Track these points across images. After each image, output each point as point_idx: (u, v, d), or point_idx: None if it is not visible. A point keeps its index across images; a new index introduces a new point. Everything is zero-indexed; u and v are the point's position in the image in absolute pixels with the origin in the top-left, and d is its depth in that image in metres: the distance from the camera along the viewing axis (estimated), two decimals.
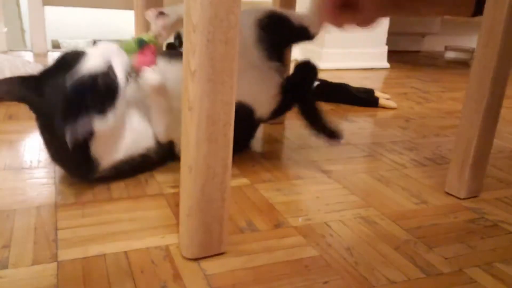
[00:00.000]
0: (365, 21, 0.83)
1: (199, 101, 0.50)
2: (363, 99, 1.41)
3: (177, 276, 0.53)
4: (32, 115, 1.08)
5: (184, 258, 0.57)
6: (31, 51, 1.92)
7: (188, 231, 0.56)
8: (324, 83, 1.47)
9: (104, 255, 0.56)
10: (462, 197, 0.78)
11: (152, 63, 0.73)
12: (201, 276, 0.54)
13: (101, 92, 0.67)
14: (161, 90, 0.74)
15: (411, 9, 0.92)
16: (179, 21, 0.75)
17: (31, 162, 0.82)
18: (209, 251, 0.57)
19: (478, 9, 0.86)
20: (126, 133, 0.74)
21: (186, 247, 0.57)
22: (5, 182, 0.74)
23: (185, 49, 0.50)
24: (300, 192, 0.78)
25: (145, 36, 0.74)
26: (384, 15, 0.87)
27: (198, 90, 0.50)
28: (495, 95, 0.73)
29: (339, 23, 0.83)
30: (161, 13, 0.75)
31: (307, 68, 0.93)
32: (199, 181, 0.53)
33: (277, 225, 0.66)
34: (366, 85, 1.53)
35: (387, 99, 1.43)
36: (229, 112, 0.52)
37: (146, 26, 0.98)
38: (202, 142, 0.52)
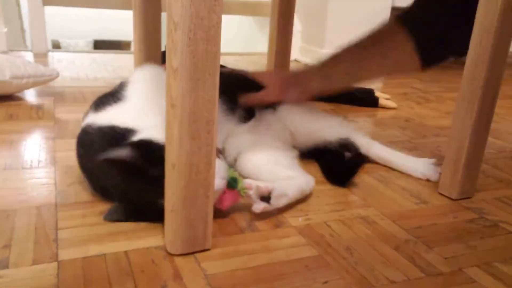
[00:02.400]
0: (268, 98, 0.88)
1: (182, 99, 0.50)
2: (363, 99, 1.41)
3: (177, 276, 0.53)
4: (32, 115, 1.08)
5: (184, 258, 0.57)
6: (31, 51, 1.92)
7: (172, 227, 0.56)
8: None
9: (105, 255, 0.56)
10: (454, 197, 0.78)
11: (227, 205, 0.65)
12: (201, 276, 0.54)
13: None
14: None
15: (347, 79, 0.93)
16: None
17: (31, 162, 0.82)
18: (193, 247, 0.58)
19: (428, 60, 0.84)
20: None
21: (171, 243, 0.57)
22: (5, 182, 0.74)
23: (167, 47, 0.51)
24: None
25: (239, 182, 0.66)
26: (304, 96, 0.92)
27: (180, 87, 0.50)
28: (488, 95, 0.73)
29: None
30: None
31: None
32: (183, 178, 0.53)
33: (277, 225, 0.66)
34: (366, 85, 1.54)
35: (387, 99, 1.43)
36: (211, 110, 0.52)
37: (145, 26, 0.98)
38: (185, 140, 0.52)
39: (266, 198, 0.67)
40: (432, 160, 0.82)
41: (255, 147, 0.81)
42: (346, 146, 0.89)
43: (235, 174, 0.66)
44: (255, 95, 0.87)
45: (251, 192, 0.65)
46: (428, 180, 0.85)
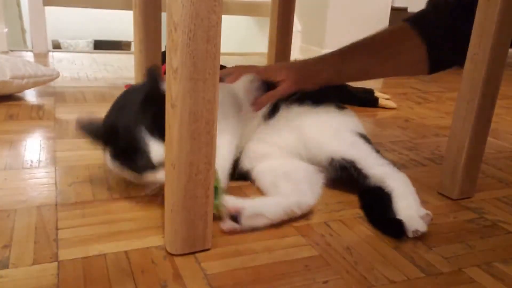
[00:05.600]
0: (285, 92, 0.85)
1: (182, 99, 0.51)
2: (363, 99, 1.41)
3: (177, 276, 0.53)
4: (33, 115, 1.08)
5: (184, 258, 0.57)
6: (31, 51, 1.92)
7: (172, 227, 0.56)
8: None
9: (105, 255, 0.57)
10: (454, 197, 0.78)
11: None
12: (201, 276, 0.54)
13: None
14: None
15: (357, 75, 0.95)
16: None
17: (31, 162, 0.82)
18: (193, 247, 0.58)
19: (435, 66, 0.88)
20: None
21: (171, 243, 0.57)
22: (6, 182, 0.74)
23: (167, 47, 0.51)
24: None
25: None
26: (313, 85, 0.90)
27: (180, 88, 0.50)
28: (487, 95, 0.73)
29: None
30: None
31: None
32: (182, 178, 0.53)
33: (277, 225, 0.66)
34: (366, 85, 1.54)
35: (387, 99, 1.43)
36: (211, 110, 0.52)
37: (145, 26, 0.98)
38: (185, 140, 0.52)
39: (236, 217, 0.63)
40: (425, 213, 0.66)
41: (270, 155, 0.80)
42: (347, 169, 0.75)
43: (219, 186, 0.62)
44: (272, 93, 0.84)
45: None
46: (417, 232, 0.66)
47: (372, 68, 0.91)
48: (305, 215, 0.70)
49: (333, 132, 0.79)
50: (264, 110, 0.84)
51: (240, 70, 0.89)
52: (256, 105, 0.82)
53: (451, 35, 0.85)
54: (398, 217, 0.67)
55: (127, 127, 0.65)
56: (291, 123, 0.82)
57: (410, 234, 0.64)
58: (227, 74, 0.88)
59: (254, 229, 0.65)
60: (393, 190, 0.71)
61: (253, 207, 0.65)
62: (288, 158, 0.80)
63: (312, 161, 0.79)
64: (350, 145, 0.78)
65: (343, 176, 0.76)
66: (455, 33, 0.84)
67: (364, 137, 0.81)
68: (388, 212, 0.69)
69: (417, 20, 0.89)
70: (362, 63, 0.91)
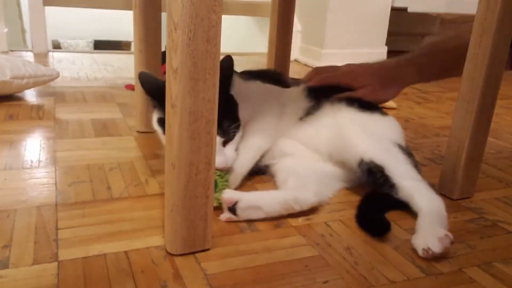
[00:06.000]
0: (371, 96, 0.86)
1: (182, 99, 0.51)
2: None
3: (177, 276, 0.53)
4: (33, 116, 1.08)
5: (184, 258, 0.57)
6: (31, 51, 1.92)
7: (172, 227, 0.56)
8: None
9: (105, 255, 0.57)
10: (454, 197, 0.78)
11: None
12: (201, 276, 0.54)
13: None
14: None
15: (440, 75, 0.95)
16: None
17: (31, 162, 0.82)
18: (193, 247, 0.58)
19: None
20: None
21: (171, 243, 0.57)
22: (5, 182, 0.74)
23: (167, 47, 0.51)
24: None
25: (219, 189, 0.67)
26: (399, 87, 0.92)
27: (180, 87, 0.50)
28: (487, 95, 0.73)
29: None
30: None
31: None
32: (182, 178, 0.54)
33: (277, 225, 0.66)
34: None
35: None
36: (211, 110, 0.52)
37: (145, 26, 0.98)
38: (185, 139, 0.52)
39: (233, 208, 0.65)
40: (444, 234, 0.60)
41: (293, 154, 0.81)
42: (374, 174, 0.72)
43: (221, 180, 0.65)
44: (350, 95, 0.83)
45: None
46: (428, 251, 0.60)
47: (453, 67, 0.88)
48: (306, 214, 0.70)
49: (369, 134, 0.77)
50: (304, 109, 0.84)
51: (319, 76, 0.87)
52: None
53: None
54: (416, 234, 0.63)
55: None
56: (330, 120, 0.81)
57: (421, 253, 0.60)
58: (308, 78, 0.88)
59: (254, 229, 0.65)
60: (421, 209, 0.67)
61: (249, 200, 0.66)
62: (309, 158, 0.81)
63: (341, 162, 0.78)
64: (383, 150, 0.75)
65: (369, 182, 0.73)
66: None
67: (403, 149, 0.78)
68: (381, 214, 0.68)
69: None
70: (446, 62, 0.90)
